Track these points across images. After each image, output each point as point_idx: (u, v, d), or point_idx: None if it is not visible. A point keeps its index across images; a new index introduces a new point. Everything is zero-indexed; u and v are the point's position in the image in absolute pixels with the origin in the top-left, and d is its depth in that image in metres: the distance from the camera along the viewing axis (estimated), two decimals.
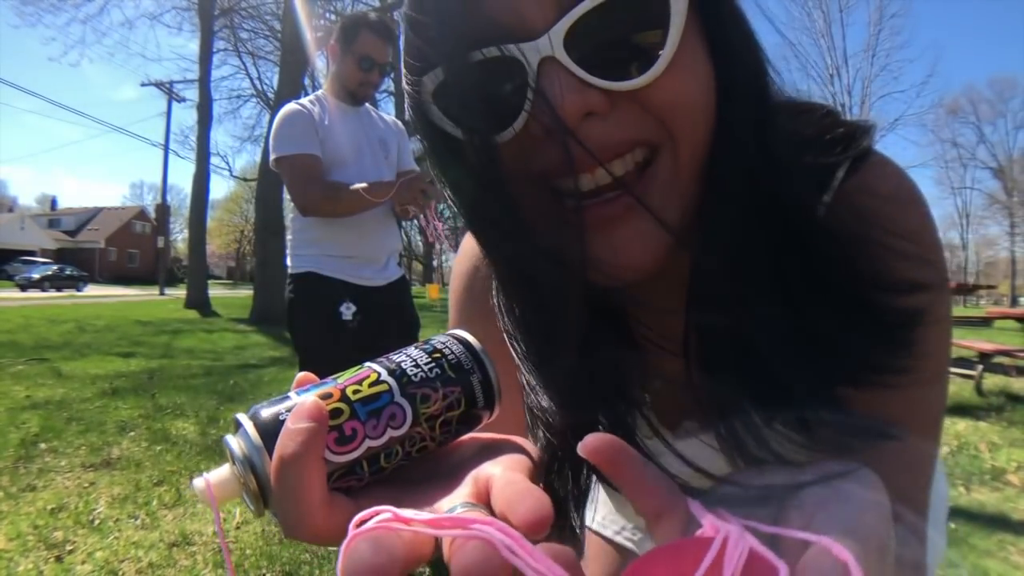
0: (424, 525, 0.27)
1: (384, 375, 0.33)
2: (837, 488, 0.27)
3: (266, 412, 0.32)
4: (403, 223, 2.05)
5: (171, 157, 24.27)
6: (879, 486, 0.27)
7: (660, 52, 0.35)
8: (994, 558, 1.97)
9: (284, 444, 0.29)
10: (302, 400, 0.31)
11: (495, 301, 0.47)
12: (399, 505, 0.28)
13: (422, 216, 1.83)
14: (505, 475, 0.30)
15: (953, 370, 4.20)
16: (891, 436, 0.38)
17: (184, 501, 2.26)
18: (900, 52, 35.91)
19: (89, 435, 3.07)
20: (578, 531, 0.49)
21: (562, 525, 0.46)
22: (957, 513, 2.28)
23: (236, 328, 9.18)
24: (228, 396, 4.10)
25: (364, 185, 1.78)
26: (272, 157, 1.81)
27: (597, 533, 0.72)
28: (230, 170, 30.83)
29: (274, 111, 10.54)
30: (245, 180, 27.95)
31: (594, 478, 0.46)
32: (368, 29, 1.85)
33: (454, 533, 0.26)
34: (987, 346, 4.78)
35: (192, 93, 21.42)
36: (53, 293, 22.32)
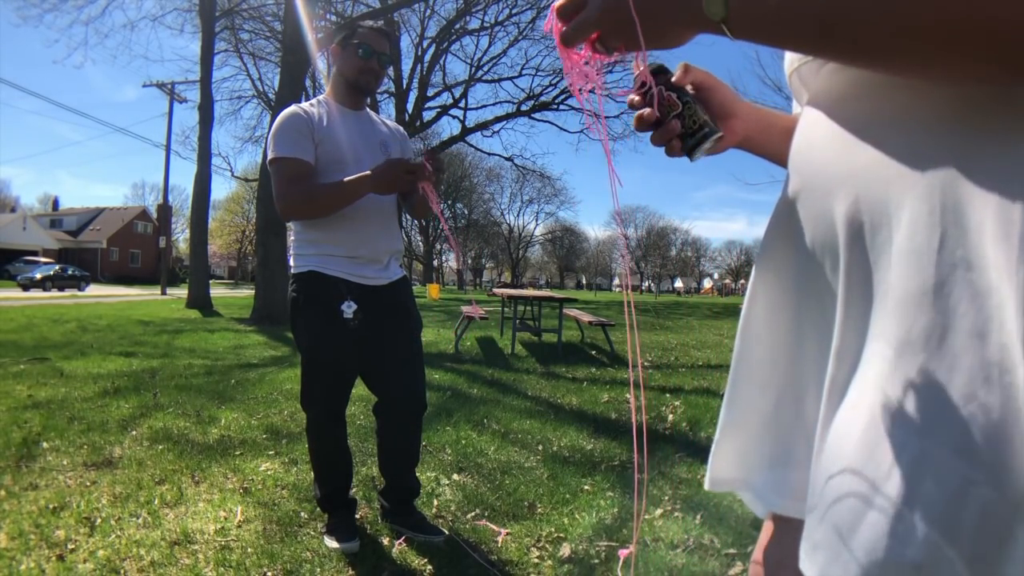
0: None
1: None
2: None
3: None
4: (403, 224, 2.04)
5: (173, 157, 24.43)
6: None
7: None
8: None
9: None
10: None
11: None
12: None
13: (422, 189, 1.82)
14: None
15: None
16: None
17: (186, 499, 2.27)
18: None
19: (91, 434, 3.08)
20: None
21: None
22: None
23: (237, 328, 9.18)
24: (229, 395, 4.10)
25: (345, 180, 1.76)
26: (268, 158, 1.85)
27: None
28: (231, 170, 30.89)
29: (275, 112, 10.54)
30: (246, 180, 27.93)
31: None
32: (364, 26, 1.92)
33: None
34: None
35: (193, 94, 21.48)
36: (55, 293, 22.33)
